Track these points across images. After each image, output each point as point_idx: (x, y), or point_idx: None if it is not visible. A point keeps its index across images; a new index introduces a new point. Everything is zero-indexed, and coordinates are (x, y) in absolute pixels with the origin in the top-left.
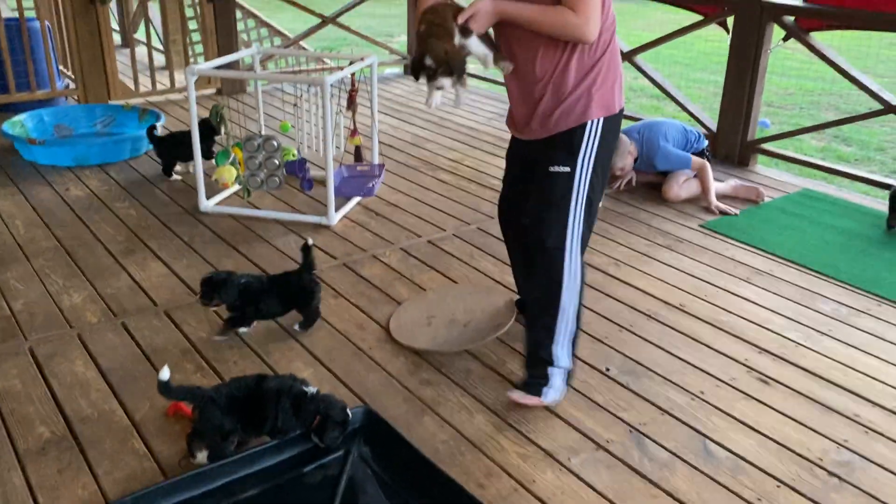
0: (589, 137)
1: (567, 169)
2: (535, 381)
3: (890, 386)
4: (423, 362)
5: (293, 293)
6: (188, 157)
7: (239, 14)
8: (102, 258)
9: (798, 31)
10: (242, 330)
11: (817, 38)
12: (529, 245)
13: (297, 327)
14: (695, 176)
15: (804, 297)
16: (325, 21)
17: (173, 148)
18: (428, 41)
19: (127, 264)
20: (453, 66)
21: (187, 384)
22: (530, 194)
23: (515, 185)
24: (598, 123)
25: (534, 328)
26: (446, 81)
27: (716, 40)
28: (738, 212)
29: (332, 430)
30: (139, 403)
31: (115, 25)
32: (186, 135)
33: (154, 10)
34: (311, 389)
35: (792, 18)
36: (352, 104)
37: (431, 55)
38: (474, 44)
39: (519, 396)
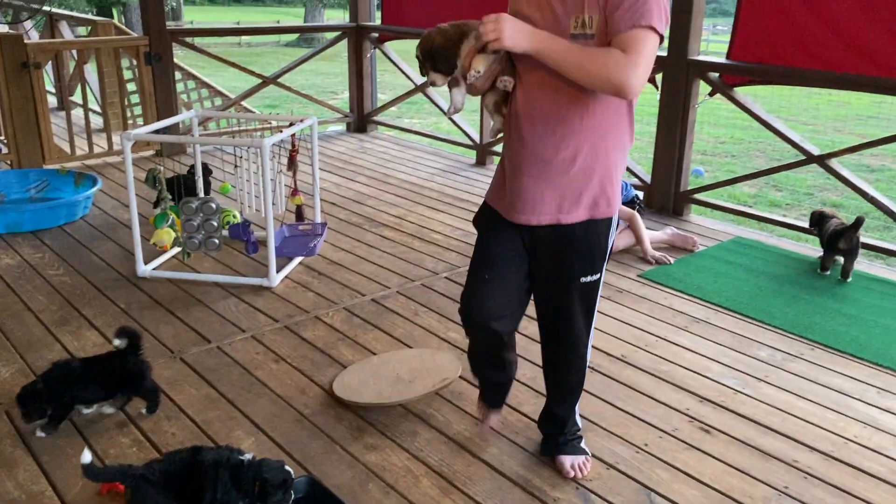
0: (612, 233)
1: (597, 276)
2: (574, 437)
3: (825, 430)
4: (368, 426)
5: (116, 377)
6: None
7: (178, 75)
8: (34, 329)
9: (723, 87)
10: (85, 411)
11: (742, 91)
12: (556, 352)
13: (143, 411)
14: (627, 227)
15: (741, 343)
16: (266, 81)
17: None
18: (429, 33)
19: (60, 334)
20: (437, 60)
21: (120, 462)
22: (544, 306)
23: (503, 289)
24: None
25: (564, 403)
26: (437, 77)
27: (647, 92)
28: (672, 260)
29: (273, 494)
30: (71, 482)
31: (50, 88)
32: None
33: (91, 72)
34: (247, 456)
35: (716, 75)
36: (293, 164)
37: (420, 46)
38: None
39: (573, 463)
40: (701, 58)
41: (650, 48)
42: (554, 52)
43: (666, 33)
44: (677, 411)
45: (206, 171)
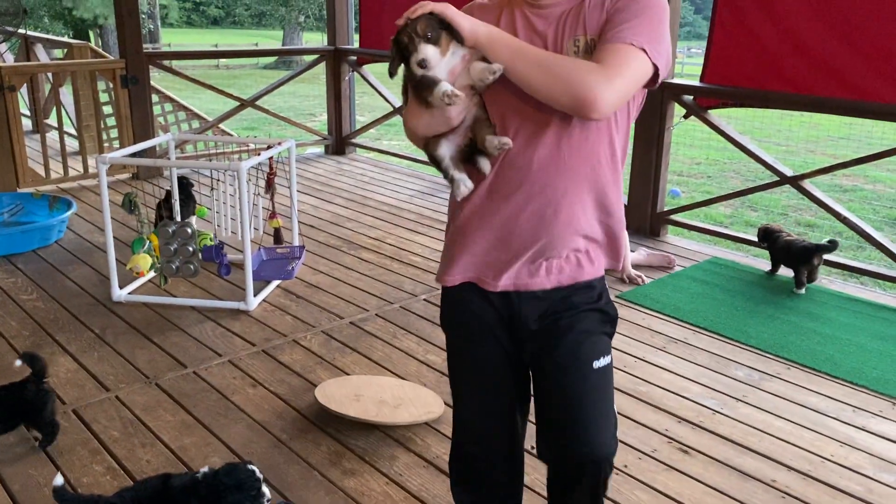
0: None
1: (610, 359)
2: None
3: (803, 449)
4: (346, 451)
5: (15, 407)
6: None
7: (155, 98)
8: (5, 355)
9: (697, 109)
10: None
11: (716, 113)
12: (569, 469)
13: (37, 444)
14: None
15: (718, 363)
16: (243, 104)
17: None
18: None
19: None
20: (424, 28)
21: (93, 491)
22: (546, 402)
23: (499, 399)
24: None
25: None
26: (429, 50)
27: None
28: (647, 280)
29: (227, 496)
30: None
31: (25, 110)
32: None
33: (67, 95)
34: (203, 470)
35: (691, 97)
36: (270, 187)
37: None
38: (431, 54)
39: None
40: (675, 81)
41: (633, 68)
42: (507, 44)
43: (662, 75)
44: (656, 432)
45: (188, 184)
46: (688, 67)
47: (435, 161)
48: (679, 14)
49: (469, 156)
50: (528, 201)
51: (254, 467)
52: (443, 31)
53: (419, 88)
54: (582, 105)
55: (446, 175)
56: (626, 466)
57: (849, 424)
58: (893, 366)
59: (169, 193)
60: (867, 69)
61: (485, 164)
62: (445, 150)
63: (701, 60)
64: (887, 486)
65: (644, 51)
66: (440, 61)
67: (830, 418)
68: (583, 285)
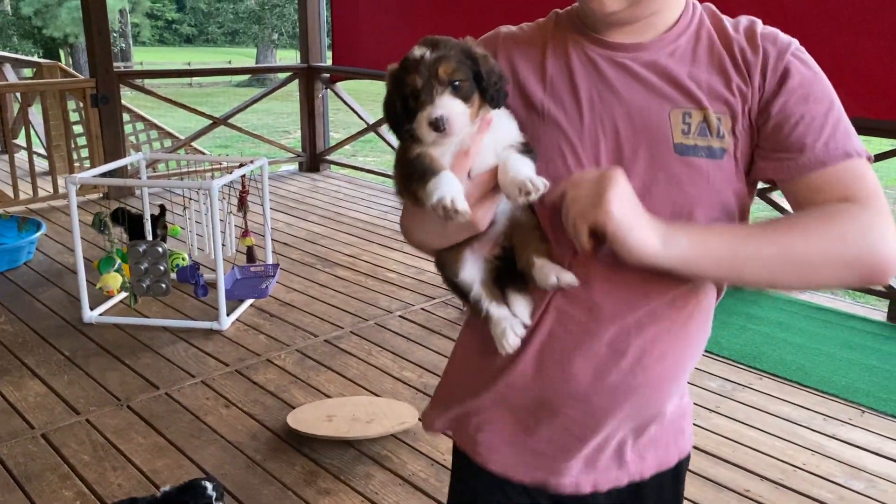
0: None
1: None
2: None
3: (775, 458)
4: (321, 470)
5: None
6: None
7: (127, 117)
8: None
9: None
10: None
11: None
12: None
13: None
14: None
15: (692, 375)
16: (216, 122)
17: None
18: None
19: (0, 385)
20: (452, 68)
21: None
22: None
23: None
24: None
25: None
26: (455, 105)
27: None
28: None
29: None
30: None
31: None
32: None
33: (36, 115)
34: (165, 488)
35: None
36: (243, 205)
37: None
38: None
39: None
40: None
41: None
42: (720, 246)
43: None
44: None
45: (161, 212)
46: None
47: (458, 289)
48: None
49: (501, 275)
50: (610, 352)
51: (208, 483)
52: (477, 84)
53: (408, 175)
54: (878, 275)
55: (477, 310)
56: None
57: (819, 433)
58: (862, 374)
59: (125, 213)
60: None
61: (521, 306)
62: (472, 270)
63: None
64: (858, 493)
65: (863, 156)
66: (465, 128)
67: (802, 427)
68: (670, 471)
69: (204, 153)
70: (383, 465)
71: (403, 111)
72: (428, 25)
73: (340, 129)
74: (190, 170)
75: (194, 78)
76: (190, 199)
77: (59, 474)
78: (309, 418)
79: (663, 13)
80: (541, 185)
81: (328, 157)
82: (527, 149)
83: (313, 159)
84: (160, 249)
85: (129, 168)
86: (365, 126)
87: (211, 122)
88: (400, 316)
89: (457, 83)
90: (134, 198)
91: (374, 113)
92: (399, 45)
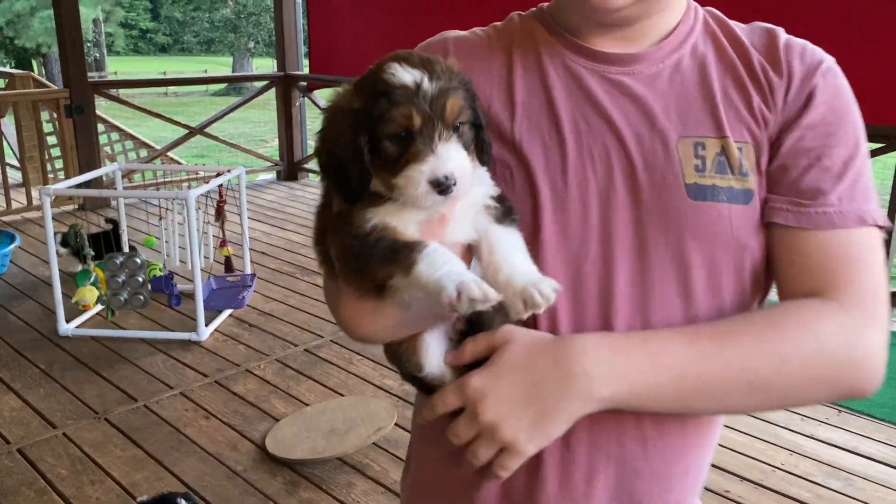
0: None
1: None
2: None
3: (754, 459)
4: (302, 480)
5: None
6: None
7: (101, 127)
8: None
9: None
10: None
11: None
12: None
13: None
14: None
15: None
16: (192, 131)
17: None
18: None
19: None
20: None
21: None
22: None
23: None
24: None
25: None
26: (455, 156)
27: None
28: None
29: None
30: None
31: None
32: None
33: (9, 126)
34: (141, 498)
35: None
36: (220, 215)
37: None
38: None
39: None
40: None
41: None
42: (665, 370)
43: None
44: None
45: (113, 227)
46: None
47: (422, 385)
48: None
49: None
50: (614, 444)
51: (181, 499)
52: (476, 127)
53: (361, 255)
54: (857, 393)
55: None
56: None
57: (797, 433)
58: None
59: (77, 234)
60: None
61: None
62: (436, 356)
63: None
64: (835, 491)
65: (878, 227)
66: (470, 187)
67: (780, 427)
68: None
69: (180, 163)
70: (365, 473)
71: (371, 158)
72: (408, 34)
73: None
74: (166, 180)
75: (170, 87)
76: (166, 209)
77: (36, 489)
78: (287, 436)
79: (665, 15)
80: (551, 293)
81: (306, 166)
82: (507, 211)
83: (291, 168)
84: (138, 261)
85: (104, 179)
86: None
87: (187, 131)
88: None
89: (460, 127)
90: (110, 209)
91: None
92: (377, 54)
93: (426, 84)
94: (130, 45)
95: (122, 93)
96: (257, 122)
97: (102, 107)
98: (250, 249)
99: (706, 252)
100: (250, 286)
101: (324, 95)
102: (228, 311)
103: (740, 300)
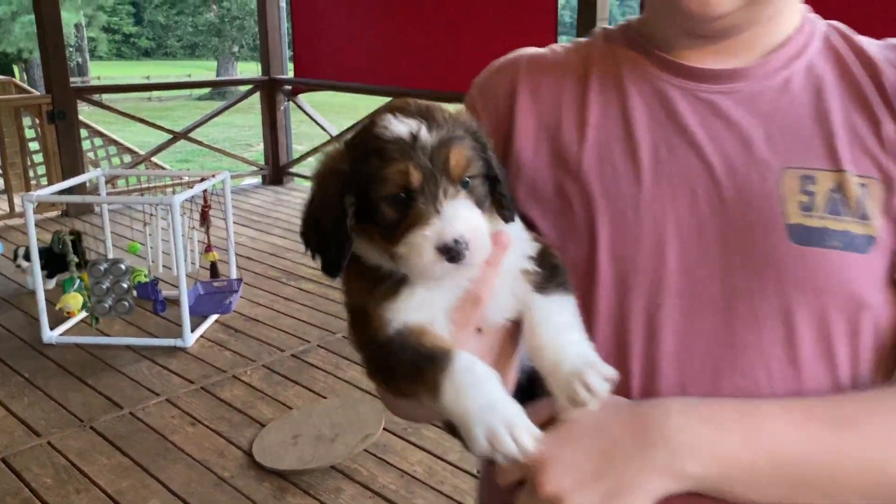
0: None
1: None
2: None
3: None
4: (290, 486)
5: None
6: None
7: (84, 133)
8: None
9: None
10: None
11: None
12: None
13: None
14: None
15: None
16: (176, 136)
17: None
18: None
19: None
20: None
21: None
22: None
23: None
24: None
25: None
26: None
27: None
28: None
29: None
30: None
31: None
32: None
33: None
34: None
35: None
36: (205, 220)
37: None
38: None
39: None
40: None
41: None
42: (765, 452)
43: None
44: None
45: (76, 239)
46: None
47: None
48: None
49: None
50: None
51: None
52: (490, 180)
53: (384, 366)
54: None
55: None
56: None
57: None
58: None
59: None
60: None
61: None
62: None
63: None
64: None
65: None
66: (486, 253)
67: None
68: None
69: (164, 168)
70: (353, 478)
71: (366, 226)
72: (393, 37)
73: (304, 142)
74: (150, 185)
75: (154, 92)
76: (151, 215)
77: (21, 499)
78: (274, 444)
79: (774, 25)
80: (601, 386)
81: (292, 170)
82: (550, 273)
83: (276, 172)
84: (122, 267)
85: (87, 185)
86: (329, 138)
87: (171, 136)
88: None
89: (470, 181)
90: (94, 215)
91: (338, 124)
92: (362, 57)
93: (424, 134)
94: (113, 50)
95: (106, 98)
96: (242, 126)
97: (85, 112)
98: (236, 254)
99: (813, 309)
100: (237, 291)
101: (309, 99)
102: (214, 317)
103: (857, 373)
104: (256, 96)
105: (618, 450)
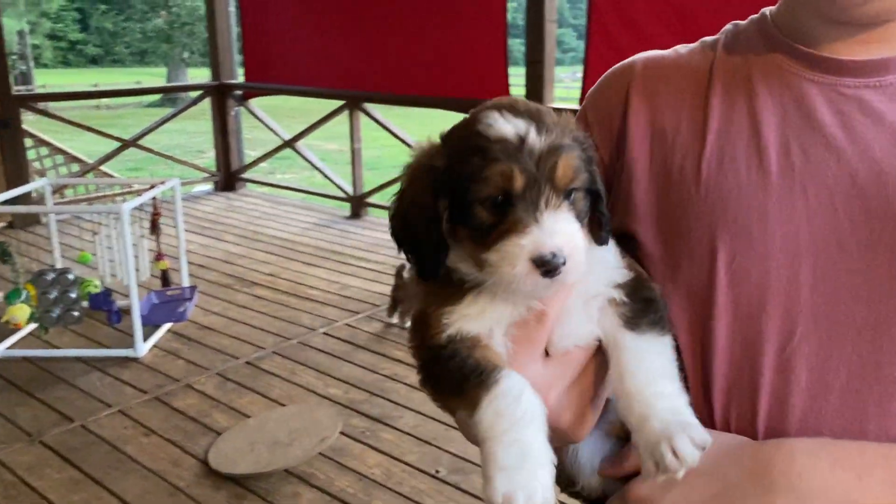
0: None
1: None
2: None
3: None
4: (248, 493)
5: None
6: None
7: (30, 142)
8: None
9: None
10: None
11: None
12: None
13: None
14: None
15: None
16: (125, 144)
17: None
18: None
19: None
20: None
21: None
22: None
23: None
24: None
25: None
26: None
27: None
28: None
29: None
30: None
31: None
32: None
33: None
34: None
35: None
36: (155, 228)
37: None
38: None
39: None
40: (556, 105)
41: None
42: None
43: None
44: None
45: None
46: (573, 91)
47: (577, 497)
48: (554, 38)
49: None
50: None
51: None
52: (592, 195)
53: (434, 373)
54: None
55: None
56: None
57: None
58: None
59: None
60: None
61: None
62: (588, 460)
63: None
64: None
65: None
66: (582, 271)
67: None
68: None
69: (113, 177)
70: (311, 483)
71: (457, 227)
72: (343, 41)
73: (257, 147)
74: (99, 194)
75: (103, 100)
76: (100, 224)
77: None
78: (230, 450)
79: None
80: (692, 454)
81: (244, 176)
82: (643, 307)
83: (228, 178)
84: (70, 277)
85: (34, 195)
86: (281, 142)
87: (120, 144)
88: (324, 333)
89: (574, 194)
90: (41, 226)
91: (291, 129)
92: (314, 60)
93: (533, 138)
94: (59, 58)
95: (52, 106)
96: (194, 132)
97: (30, 121)
98: (188, 262)
99: None
100: (191, 299)
101: (261, 104)
102: (167, 326)
103: None
104: (207, 102)
105: (734, 493)
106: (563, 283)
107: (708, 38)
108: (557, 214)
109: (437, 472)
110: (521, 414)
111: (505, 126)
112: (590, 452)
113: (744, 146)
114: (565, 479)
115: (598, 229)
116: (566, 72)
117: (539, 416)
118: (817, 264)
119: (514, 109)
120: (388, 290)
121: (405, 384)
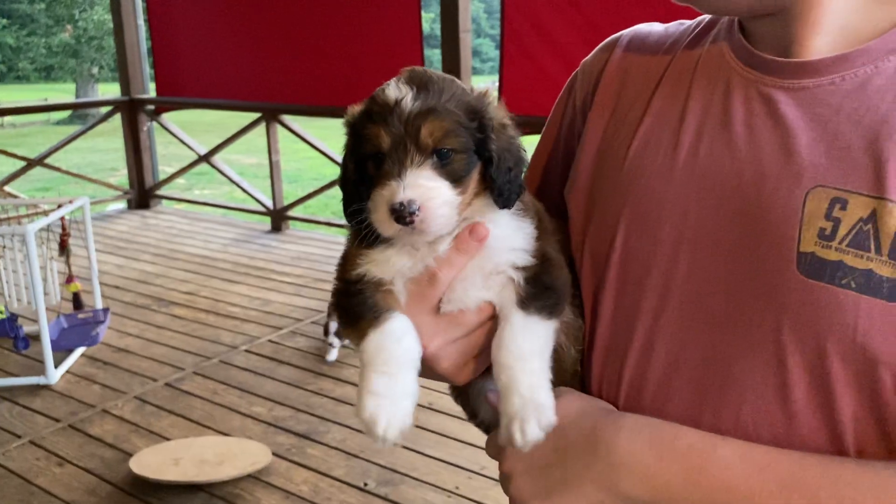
0: None
1: None
2: None
3: None
4: None
5: None
6: None
7: None
8: None
9: None
10: None
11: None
12: None
13: None
14: None
15: None
16: (31, 163)
17: None
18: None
19: None
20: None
21: None
22: None
23: None
24: None
25: None
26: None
27: None
28: None
29: None
30: None
31: None
32: None
33: None
34: None
35: None
36: (64, 249)
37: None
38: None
39: None
40: None
41: None
42: (707, 492)
43: None
44: (483, 449)
45: None
46: None
47: (482, 428)
48: (470, 48)
49: None
50: None
51: None
52: (478, 157)
53: (341, 304)
54: None
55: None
56: (457, 487)
57: None
58: None
59: None
60: None
61: None
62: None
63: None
64: None
65: None
66: (448, 226)
67: None
68: None
69: (18, 197)
70: None
71: (359, 179)
72: (257, 53)
73: (173, 163)
74: (4, 216)
75: (6, 118)
76: (4, 246)
77: None
78: (153, 463)
79: (876, 7)
80: (534, 436)
81: (159, 193)
82: (537, 292)
83: (143, 196)
84: None
85: None
86: (196, 157)
87: (25, 163)
88: (246, 350)
89: (446, 153)
90: None
91: (208, 143)
92: (224, 73)
93: (407, 102)
94: None
95: None
96: (106, 150)
97: None
98: (102, 284)
99: (810, 352)
100: (104, 321)
101: (175, 118)
102: (80, 351)
103: (866, 438)
104: (118, 118)
105: (570, 451)
106: (421, 233)
107: (701, 20)
108: (419, 171)
109: (366, 484)
110: (399, 353)
111: (391, 91)
112: (489, 390)
113: (668, 134)
114: (469, 412)
115: (495, 195)
116: (486, 81)
117: (414, 359)
118: (694, 256)
119: (410, 77)
120: (311, 303)
121: (331, 398)
